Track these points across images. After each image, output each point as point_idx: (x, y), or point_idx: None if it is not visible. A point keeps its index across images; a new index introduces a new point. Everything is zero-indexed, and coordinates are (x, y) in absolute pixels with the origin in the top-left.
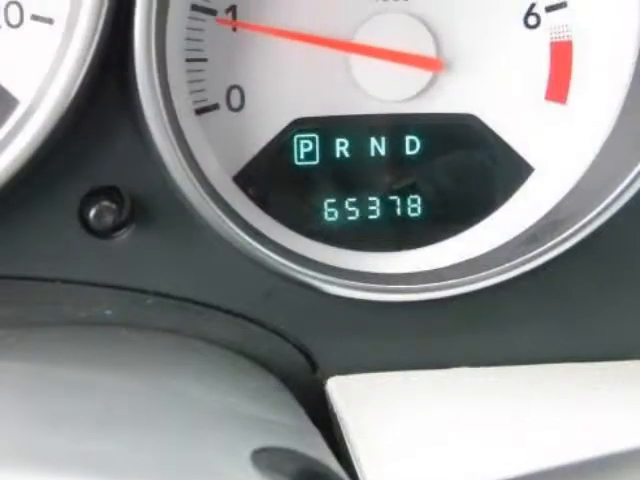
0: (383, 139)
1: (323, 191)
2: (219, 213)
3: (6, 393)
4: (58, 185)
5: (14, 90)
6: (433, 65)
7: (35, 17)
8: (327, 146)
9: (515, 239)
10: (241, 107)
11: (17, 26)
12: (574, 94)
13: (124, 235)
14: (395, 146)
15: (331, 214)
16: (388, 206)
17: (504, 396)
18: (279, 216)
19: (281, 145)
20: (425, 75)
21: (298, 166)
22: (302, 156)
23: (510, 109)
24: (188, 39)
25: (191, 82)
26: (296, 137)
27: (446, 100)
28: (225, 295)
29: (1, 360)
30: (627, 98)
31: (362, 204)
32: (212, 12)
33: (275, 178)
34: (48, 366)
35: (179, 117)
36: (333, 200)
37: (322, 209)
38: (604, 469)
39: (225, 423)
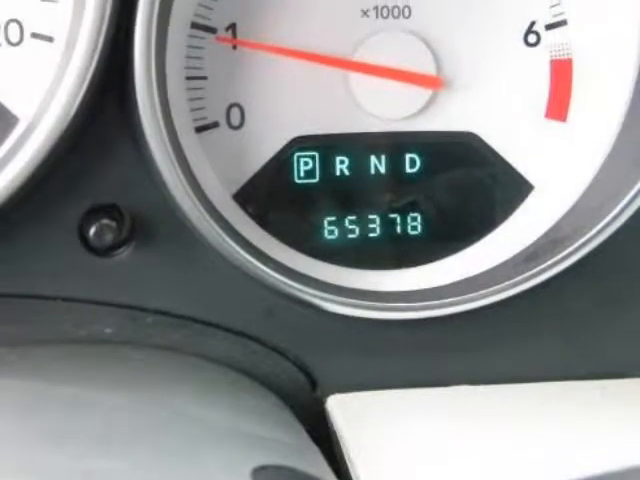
0: (383, 157)
1: (323, 209)
2: (219, 231)
3: (7, 411)
4: (58, 203)
5: (14, 108)
6: (433, 83)
7: (35, 35)
8: (327, 164)
9: (515, 257)
10: (241, 125)
11: (17, 44)
12: (574, 112)
13: (124, 253)
14: (395, 164)
15: (331, 232)
16: (388, 224)
17: (504, 414)
18: (279, 234)
19: (281, 163)
20: (425, 93)
21: (298, 184)
22: (302, 174)
23: (510, 127)
24: (188, 57)
25: (191, 100)
26: (296, 155)
27: (446, 118)
28: (225, 313)
29: (1, 378)
30: (627, 116)
31: (362, 222)
32: (212, 30)
33: (275, 196)
34: (49, 384)
35: (179, 135)
36: (333, 218)
37: (322, 227)
38: None
39: (225, 441)
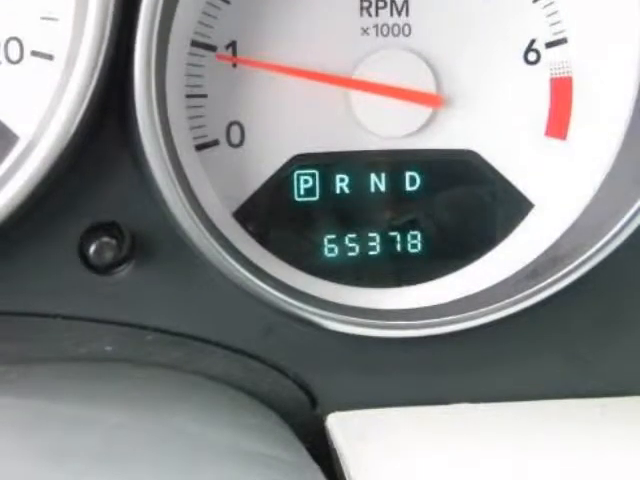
0: (383, 175)
1: (323, 227)
2: (219, 249)
3: (7, 429)
4: (58, 221)
5: (14, 126)
6: (433, 101)
7: (35, 53)
8: (327, 182)
9: (515, 275)
10: (241, 143)
11: (17, 62)
12: (574, 130)
13: (124, 271)
14: (395, 182)
15: (331, 250)
16: (388, 242)
17: (504, 432)
18: (279, 252)
19: (281, 181)
20: (425, 111)
21: (298, 202)
22: (302, 192)
23: (510, 145)
24: (188, 75)
25: (191, 118)
26: (296, 173)
27: (446, 136)
28: (225, 331)
29: (2, 396)
30: (627, 134)
31: (362, 240)
32: (212, 48)
33: (275, 214)
34: (49, 402)
35: (179, 153)
36: (333, 236)
37: (322, 245)
38: None
39: (225, 459)
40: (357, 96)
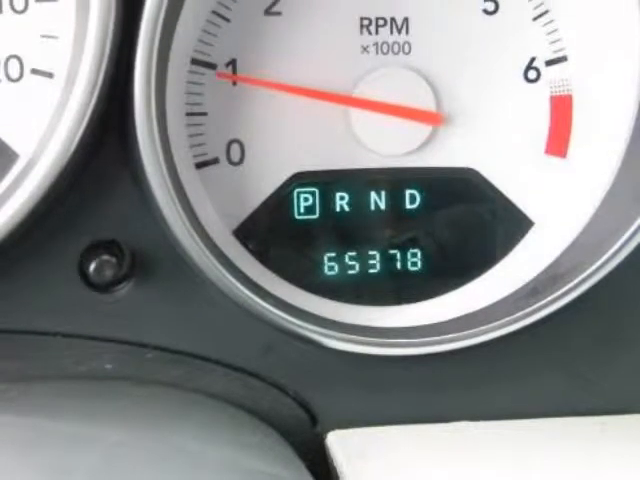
0: (383, 193)
1: (323, 245)
2: (219, 267)
3: (8, 447)
4: (58, 239)
5: (14, 144)
6: (433, 119)
7: (35, 71)
8: (327, 200)
9: (515, 293)
10: (241, 161)
11: (17, 80)
12: (574, 148)
13: (124, 289)
14: (395, 200)
15: (331, 268)
16: (388, 260)
17: (504, 450)
18: (279, 270)
19: (281, 199)
20: (425, 129)
21: (298, 220)
22: (302, 210)
23: (510, 163)
24: (188, 93)
25: (191, 136)
26: (296, 191)
27: (446, 154)
28: (225, 349)
29: (2, 414)
30: (627, 152)
31: (362, 258)
32: (212, 66)
33: (275, 232)
34: (49, 420)
35: (179, 171)
36: (333, 254)
37: (322, 263)
38: None
39: (225, 477)
40: (357, 114)
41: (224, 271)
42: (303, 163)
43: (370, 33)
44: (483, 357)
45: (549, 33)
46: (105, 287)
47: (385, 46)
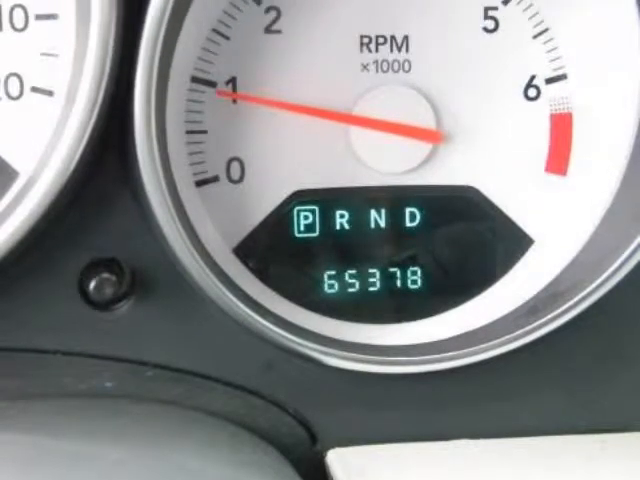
0: (383, 211)
1: (323, 263)
2: (219, 285)
3: (8, 465)
4: (58, 257)
5: (14, 162)
6: (433, 137)
7: (35, 89)
8: (327, 218)
9: (515, 311)
10: (241, 179)
11: (17, 98)
12: (574, 166)
13: (124, 307)
14: (395, 218)
15: (331, 286)
16: (388, 278)
17: (504, 468)
18: (279, 288)
19: (281, 217)
20: (425, 147)
21: (298, 238)
22: (302, 228)
23: (510, 181)
24: (188, 111)
25: (191, 154)
26: (296, 209)
27: (446, 172)
28: (225, 367)
29: (2, 432)
30: (627, 170)
31: (362, 276)
32: (212, 84)
33: (275, 250)
34: (49, 438)
35: (179, 189)
36: (333, 272)
37: (322, 281)
38: None
39: None
40: (357, 132)
41: (224, 289)
42: (303, 181)
43: (370, 51)
44: (483, 375)
45: (549, 51)
46: (105, 305)
47: (385, 64)
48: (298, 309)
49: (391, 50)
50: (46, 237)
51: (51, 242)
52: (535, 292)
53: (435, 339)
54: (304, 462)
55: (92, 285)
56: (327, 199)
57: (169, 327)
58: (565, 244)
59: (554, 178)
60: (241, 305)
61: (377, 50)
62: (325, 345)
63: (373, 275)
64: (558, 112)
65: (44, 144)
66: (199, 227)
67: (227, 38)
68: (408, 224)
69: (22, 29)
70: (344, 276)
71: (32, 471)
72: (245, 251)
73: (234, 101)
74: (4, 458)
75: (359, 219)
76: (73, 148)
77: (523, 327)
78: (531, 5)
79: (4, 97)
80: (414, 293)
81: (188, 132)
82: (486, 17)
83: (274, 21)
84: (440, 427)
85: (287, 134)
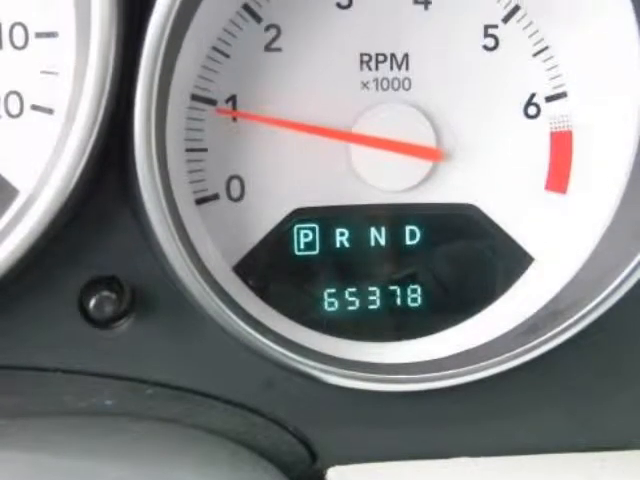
0: (383, 229)
1: (323, 281)
2: (219, 303)
3: None
4: (58, 275)
5: (14, 180)
6: (433, 155)
7: (35, 107)
8: (327, 236)
9: (515, 329)
10: (241, 197)
11: (17, 116)
12: (574, 184)
13: (124, 325)
14: (395, 236)
15: (331, 304)
16: (388, 296)
17: None
18: (279, 306)
19: (281, 235)
20: (425, 165)
21: (298, 256)
22: (302, 246)
23: (510, 199)
24: (188, 129)
25: (191, 172)
26: (296, 227)
27: (446, 190)
28: (225, 385)
29: (2, 450)
30: (627, 188)
31: (362, 294)
32: (212, 102)
33: (275, 268)
34: (49, 456)
35: (179, 207)
36: (333, 290)
37: (322, 299)
38: None
39: None
40: (357, 150)
41: (224, 307)
42: (303, 199)
43: (370, 69)
44: (483, 393)
45: (549, 69)
46: (105, 323)
47: (385, 82)
48: (298, 327)
49: (391, 68)
50: (46, 255)
51: (51, 260)
52: (535, 310)
53: (435, 357)
54: None
55: (92, 303)
56: (327, 217)
57: (169, 345)
58: (565, 262)
59: (554, 196)
60: (241, 323)
61: (377, 68)
62: (325, 363)
63: (373, 293)
64: (558, 130)
65: (44, 162)
66: (199, 245)
67: (227, 56)
68: (408, 242)
69: (22, 47)
70: (344, 294)
71: None
72: (245, 269)
73: (234, 119)
74: (4, 476)
75: (359, 237)
76: (73, 166)
77: (523, 345)
78: (531, 23)
79: (4, 115)
80: (414, 311)
81: (188, 150)
82: (486, 35)
83: (274, 39)
84: (440, 445)
85: (287, 152)
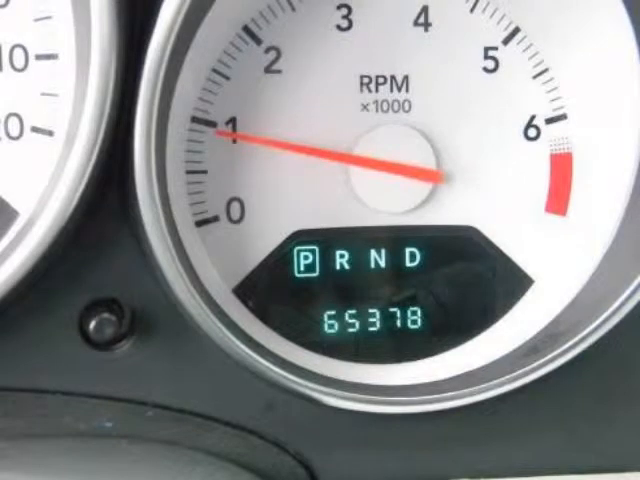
0: (383, 251)
1: (323, 303)
2: (219, 325)
3: None
4: (58, 297)
5: (14, 202)
6: (433, 177)
7: (35, 129)
8: (327, 258)
9: (515, 351)
10: (241, 219)
11: (17, 138)
12: (574, 206)
13: (124, 347)
14: (395, 258)
15: (331, 326)
16: (388, 318)
17: None
18: (279, 328)
19: (281, 257)
20: (425, 187)
21: (298, 278)
22: (302, 268)
23: (510, 221)
24: (188, 151)
25: (191, 194)
26: (296, 249)
27: (446, 212)
28: (225, 407)
29: (2, 472)
30: (627, 210)
31: (362, 316)
32: (212, 124)
33: (275, 290)
34: (49, 478)
35: (179, 229)
36: (333, 312)
37: (322, 321)
38: None
39: None
40: (357, 172)
41: (224, 329)
42: (303, 221)
43: (370, 91)
44: (483, 415)
45: (549, 91)
46: (105, 345)
47: (385, 104)
48: (298, 349)
49: (391, 90)
50: (46, 277)
51: (51, 282)
52: (535, 332)
53: (435, 379)
54: None
55: (92, 325)
56: (327, 239)
57: (169, 367)
58: (565, 284)
59: (554, 218)
60: (241, 345)
61: (377, 90)
62: (325, 385)
63: (373, 315)
64: (558, 152)
65: (44, 184)
66: (199, 267)
67: (227, 78)
68: (408, 264)
69: (22, 69)
70: (344, 316)
71: None
72: (245, 291)
73: (234, 141)
74: None
75: (359, 259)
76: (73, 188)
77: (523, 367)
78: (531, 45)
79: (4, 137)
80: (414, 333)
81: (188, 172)
82: (486, 57)
83: (274, 61)
84: (440, 467)
85: (287, 174)
